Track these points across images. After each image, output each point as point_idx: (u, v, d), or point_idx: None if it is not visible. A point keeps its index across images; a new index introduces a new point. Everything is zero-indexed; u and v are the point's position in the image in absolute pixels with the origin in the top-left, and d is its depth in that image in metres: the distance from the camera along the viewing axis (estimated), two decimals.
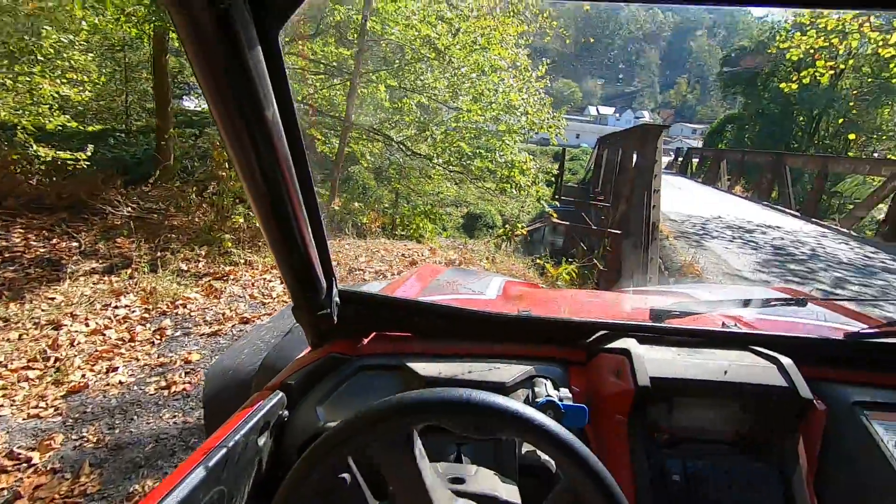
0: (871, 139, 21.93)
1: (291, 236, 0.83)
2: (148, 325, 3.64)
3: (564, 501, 0.64)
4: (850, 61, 12.58)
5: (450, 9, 9.23)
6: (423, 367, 1.03)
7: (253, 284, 4.68)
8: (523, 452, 0.90)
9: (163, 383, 2.90)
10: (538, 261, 8.06)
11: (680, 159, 28.08)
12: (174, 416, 2.62)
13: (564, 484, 0.64)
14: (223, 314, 3.92)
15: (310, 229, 0.86)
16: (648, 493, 0.87)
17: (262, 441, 0.88)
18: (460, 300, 1.74)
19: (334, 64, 10.79)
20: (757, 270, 6.56)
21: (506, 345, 1.14)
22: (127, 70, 10.22)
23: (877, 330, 1.14)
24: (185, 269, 4.84)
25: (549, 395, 0.91)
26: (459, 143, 10.63)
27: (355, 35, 9.56)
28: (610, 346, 1.06)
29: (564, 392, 0.96)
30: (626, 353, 1.01)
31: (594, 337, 1.11)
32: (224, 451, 0.77)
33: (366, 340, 1.18)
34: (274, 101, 0.67)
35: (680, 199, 13.18)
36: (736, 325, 1.29)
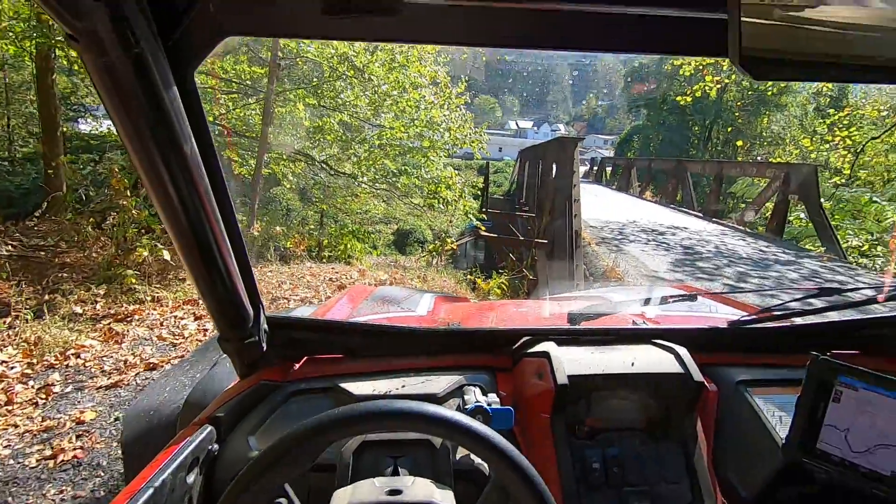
0: (755, 145, 24.61)
1: (215, 266, 0.82)
2: (31, 383, 3.14)
3: (495, 498, 0.69)
4: (733, 76, 14.06)
5: None
6: (357, 387, 1.05)
7: (161, 324, 4.24)
8: (458, 458, 0.93)
9: (47, 452, 2.48)
10: (469, 276, 8.10)
11: (595, 168, 29.86)
12: (61, 492, 2.23)
13: (493, 481, 0.69)
14: (125, 361, 3.49)
15: (233, 257, 0.85)
16: (572, 482, 0.95)
17: (191, 478, 0.86)
18: (392, 318, 1.78)
19: (248, 82, 10.33)
20: (671, 270, 7.01)
21: (437, 357, 1.19)
22: (8, 91, 9.14)
23: (754, 317, 1.29)
24: (80, 312, 4.29)
25: (478, 402, 0.95)
26: (384, 160, 10.52)
27: (269, 53, 9.23)
28: (532, 350, 1.13)
29: (493, 397, 1.01)
30: (545, 355, 1.07)
31: (518, 343, 1.17)
32: (150, 491, 0.75)
33: (297, 365, 1.17)
34: (191, 135, 0.68)
35: (598, 206, 13.91)
36: (643, 322, 1.42)
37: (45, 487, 2.26)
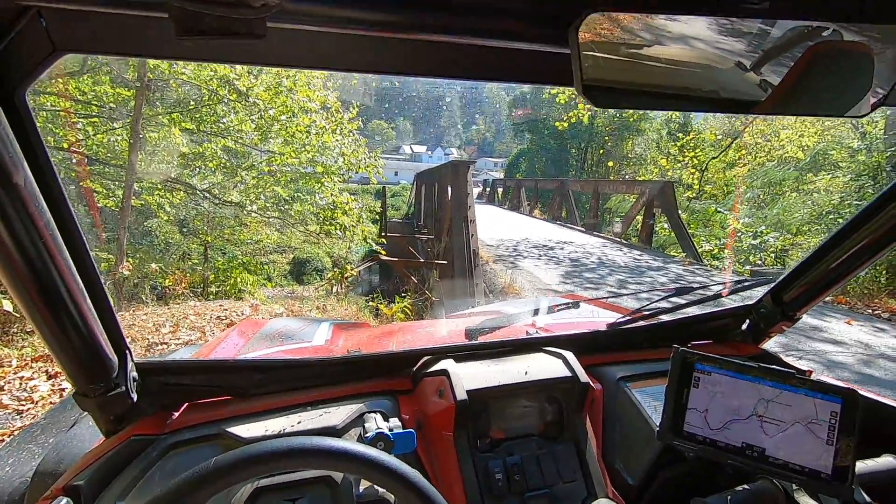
0: (624, 164, 27.65)
1: (67, 314, 0.71)
2: None
3: None
4: None
5: None
6: (246, 429, 0.97)
7: (2, 388, 3.54)
8: (361, 491, 0.90)
9: None
10: (371, 303, 7.95)
11: (488, 190, 31.39)
12: None
13: None
14: None
15: (88, 301, 0.74)
16: (476, 495, 0.96)
17: None
18: (286, 351, 1.70)
19: (111, 105, 9.30)
20: (562, 282, 7.51)
21: (336, 387, 1.14)
22: None
23: (628, 318, 1.41)
24: None
25: (378, 428, 0.92)
26: (274, 187, 10.06)
27: (135, 73, 8.42)
28: (431, 369, 1.13)
29: (394, 422, 0.99)
30: (444, 373, 1.08)
31: (418, 364, 1.16)
32: None
33: (177, 414, 1.04)
34: (25, 164, 0.59)
35: (493, 225, 14.58)
36: (535, 331, 1.49)
37: None
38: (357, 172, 10.88)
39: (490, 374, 1.09)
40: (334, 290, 9.48)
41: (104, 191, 9.61)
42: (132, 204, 9.00)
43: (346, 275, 10.12)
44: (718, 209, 12.51)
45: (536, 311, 1.57)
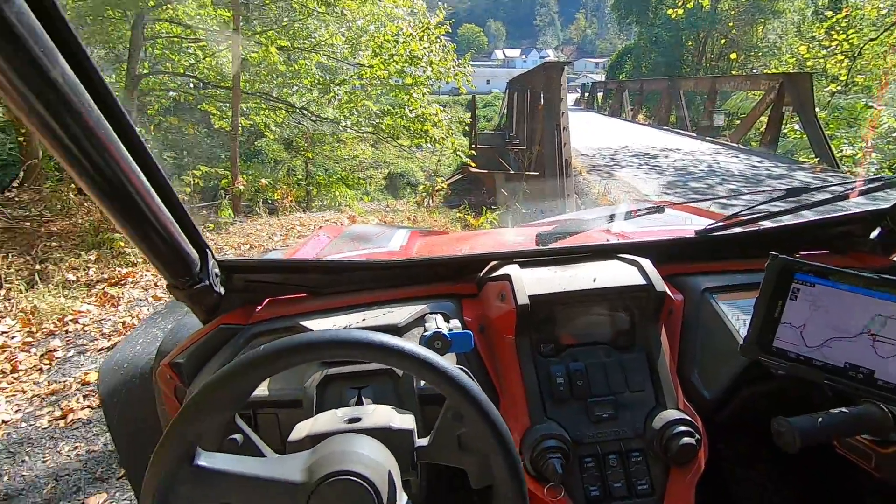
0: (750, 57, 23.71)
1: (140, 213, 0.74)
2: (33, 350, 3.20)
3: (450, 417, 0.72)
4: None
5: None
6: (317, 323, 1.05)
7: (156, 284, 4.26)
8: (422, 384, 0.94)
9: (57, 413, 2.57)
10: (459, 214, 8.05)
11: (587, 95, 28.97)
12: (75, 448, 2.33)
13: (447, 402, 0.71)
14: (123, 323, 3.54)
15: (158, 201, 0.77)
16: (537, 398, 0.97)
17: None
18: (363, 255, 1.76)
19: (215, 28, 9.74)
20: (663, 193, 6.96)
21: (402, 289, 1.18)
22: None
23: (721, 224, 1.27)
24: (73, 279, 4.30)
25: (438, 328, 0.95)
26: (366, 101, 10.16)
27: None
28: (495, 274, 1.12)
29: (454, 323, 1.03)
30: (507, 277, 1.07)
31: (485, 269, 1.16)
32: None
33: (259, 308, 1.15)
34: (60, 58, 0.55)
35: (589, 133, 13.62)
36: (611, 237, 1.41)
37: (59, 445, 2.36)
38: (447, 83, 10.56)
39: (556, 280, 1.06)
40: (425, 203, 9.72)
41: (218, 113, 10.39)
42: (241, 124, 9.68)
43: (436, 188, 10.26)
44: (870, 104, 10.42)
45: (616, 217, 1.46)
